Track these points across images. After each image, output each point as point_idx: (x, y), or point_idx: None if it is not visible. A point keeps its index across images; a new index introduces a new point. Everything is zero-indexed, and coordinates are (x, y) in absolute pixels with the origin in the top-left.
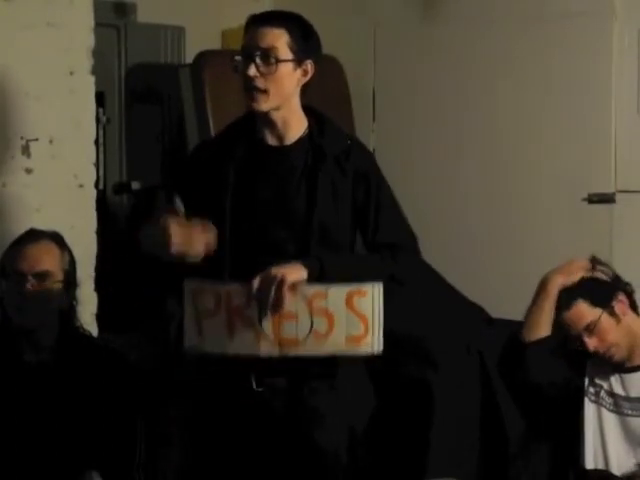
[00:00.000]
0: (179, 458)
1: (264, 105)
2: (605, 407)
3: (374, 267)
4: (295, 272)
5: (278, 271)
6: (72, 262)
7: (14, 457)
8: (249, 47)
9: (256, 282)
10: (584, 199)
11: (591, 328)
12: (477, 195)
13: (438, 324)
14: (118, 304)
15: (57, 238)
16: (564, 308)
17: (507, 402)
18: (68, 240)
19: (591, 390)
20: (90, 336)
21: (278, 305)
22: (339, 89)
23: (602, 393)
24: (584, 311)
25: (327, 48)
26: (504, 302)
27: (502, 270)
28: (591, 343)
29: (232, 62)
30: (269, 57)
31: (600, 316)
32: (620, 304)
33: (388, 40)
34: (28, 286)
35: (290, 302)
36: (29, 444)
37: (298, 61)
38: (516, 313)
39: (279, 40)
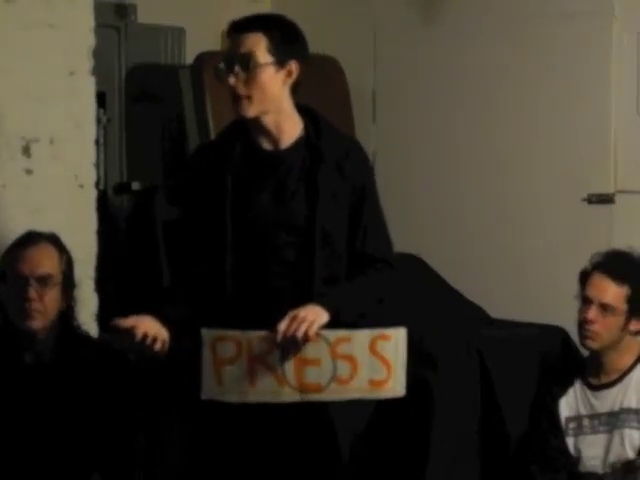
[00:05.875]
0: (180, 459)
1: (250, 111)
2: (586, 434)
3: (370, 293)
4: (319, 316)
5: (305, 316)
6: (70, 263)
7: (14, 458)
8: (228, 55)
9: (282, 327)
10: (584, 199)
11: (606, 308)
12: (477, 195)
13: (438, 324)
14: (118, 304)
15: (55, 240)
16: (612, 274)
17: (507, 402)
18: (68, 240)
19: (571, 426)
20: (89, 336)
21: (300, 349)
22: (339, 89)
23: (583, 421)
24: (617, 295)
25: (327, 48)
26: (504, 302)
27: (502, 270)
28: (591, 315)
29: (215, 71)
30: (247, 63)
31: (622, 314)
32: (638, 326)
33: (388, 40)
34: (30, 289)
35: (313, 347)
36: (29, 445)
37: (280, 63)
38: (516, 313)
39: (257, 45)
